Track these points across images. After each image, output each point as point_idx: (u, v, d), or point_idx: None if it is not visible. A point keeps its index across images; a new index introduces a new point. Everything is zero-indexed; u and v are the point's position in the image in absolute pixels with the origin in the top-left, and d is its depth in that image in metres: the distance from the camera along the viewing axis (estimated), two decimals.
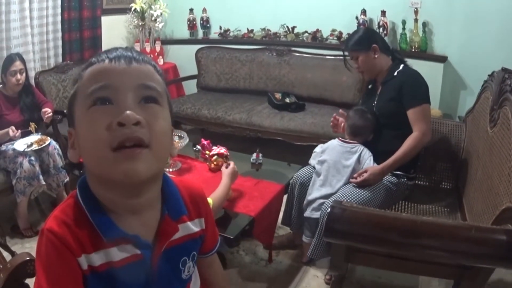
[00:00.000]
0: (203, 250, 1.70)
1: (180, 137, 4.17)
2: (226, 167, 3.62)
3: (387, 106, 3.88)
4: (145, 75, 1.31)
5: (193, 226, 1.55)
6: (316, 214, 3.79)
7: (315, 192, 3.90)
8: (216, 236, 1.77)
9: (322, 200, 3.79)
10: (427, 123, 3.75)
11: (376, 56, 3.92)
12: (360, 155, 3.85)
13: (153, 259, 1.39)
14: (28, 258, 1.87)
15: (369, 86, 4.24)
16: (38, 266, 1.30)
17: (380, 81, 4.00)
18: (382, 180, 3.77)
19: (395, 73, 3.88)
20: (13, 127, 4.62)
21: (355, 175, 3.78)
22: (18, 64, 4.83)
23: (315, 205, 3.85)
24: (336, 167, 3.91)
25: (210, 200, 3.10)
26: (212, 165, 4.16)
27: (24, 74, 4.90)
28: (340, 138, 4.00)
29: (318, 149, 4.14)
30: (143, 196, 1.33)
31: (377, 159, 3.82)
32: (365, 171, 3.72)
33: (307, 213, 3.91)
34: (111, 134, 1.21)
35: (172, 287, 1.51)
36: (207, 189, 3.64)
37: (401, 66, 3.93)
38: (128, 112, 1.21)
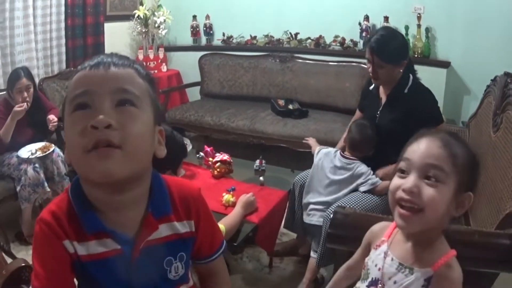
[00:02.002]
0: (199, 255, 1.71)
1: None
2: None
3: (391, 126, 3.74)
4: (123, 79, 1.36)
5: (179, 227, 1.56)
6: (310, 219, 3.83)
7: (308, 197, 3.91)
8: (216, 243, 1.76)
9: (314, 206, 3.82)
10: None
11: (400, 71, 3.74)
12: (354, 172, 3.77)
13: (132, 255, 1.42)
14: (23, 265, 1.88)
15: (370, 88, 4.06)
16: (33, 251, 1.41)
17: (387, 93, 3.84)
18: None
19: (406, 90, 3.73)
20: (20, 104, 4.60)
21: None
22: (24, 82, 4.72)
23: (309, 208, 3.87)
24: (319, 177, 3.89)
25: (222, 226, 3.10)
26: (215, 172, 4.17)
27: (31, 90, 4.81)
28: (341, 151, 3.93)
29: (318, 150, 4.07)
30: (126, 194, 1.39)
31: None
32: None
33: (305, 217, 3.91)
34: (85, 138, 1.27)
35: (156, 286, 1.53)
36: (209, 196, 3.64)
37: (411, 79, 3.77)
38: (100, 116, 1.27)
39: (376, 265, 1.76)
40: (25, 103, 4.64)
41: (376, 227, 1.93)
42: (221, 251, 1.79)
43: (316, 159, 3.96)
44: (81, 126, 1.27)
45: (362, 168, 3.75)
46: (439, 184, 1.58)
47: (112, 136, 1.27)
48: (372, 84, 4.01)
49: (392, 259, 1.72)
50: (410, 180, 1.60)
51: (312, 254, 3.83)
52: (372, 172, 3.75)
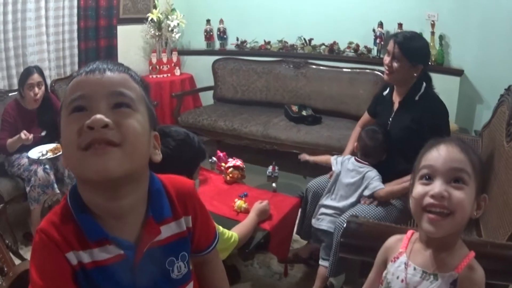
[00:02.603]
0: (196, 248, 1.73)
1: None
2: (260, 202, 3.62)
3: (401, 133, 3.73)
4: (118, 82, 1.37)
5: (179, 225, 1.58)
6: (318, 224, 3.83)
7: (323, 199, 3.90)
8: (211, 235, 1.80)
9: (325, 210, 3.82)
10: None
11: (414, 75, 3.70)
12: (364, 175, 3.77)
13: (136, 259, 1.43)
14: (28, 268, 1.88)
15: (384, 93, 4.05)
16: (31, 263, 1.38)
17: (399, 99, 3.83)
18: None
19: (417, 97, 3.71)
20: (25, 131, 4.59)
21: (362, 201, 3.74)
22: (36, 77, 4.75)
23: (319, 213, 3.87)
24: (341, 182, 3.87)
25: (235, 234, 3.11)
26: (228, 177, 4.17)
27: (42, 88, 4.83)
28: (356, 157, 3.92)
29: (335, 159, 4.04)
30: (124, 199, 1.39)
31: (388, 180, 3.75)
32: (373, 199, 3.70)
33: (313, 221, 3.90)
34: (81, 137, 1.28)
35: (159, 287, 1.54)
36: (221, 201, 3.69)
37: (423, 86, 3.72)
38: (97, 115, 1.28)
39: (398, 277, 1.77)
40: (31, 136, 4.63)
41: (389, 242, 1.95)
42: (216, 241, 1.84)
43: (337, 166, 3.95)
44: (77, 126, 1.29)
45: (371, 173, 3.75)
46: (464, 186, 1.63)
47: (110, 135, 1.28)
48: (386, 89, 4.01)
49: (414, 269, 1.73)
50: (438, 185, 1.62)
51: (321, 262, 3.82)
52: (380, 178, 3.73)
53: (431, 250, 1.73)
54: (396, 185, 3.63)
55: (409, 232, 1.88)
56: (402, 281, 1.74)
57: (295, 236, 4.23)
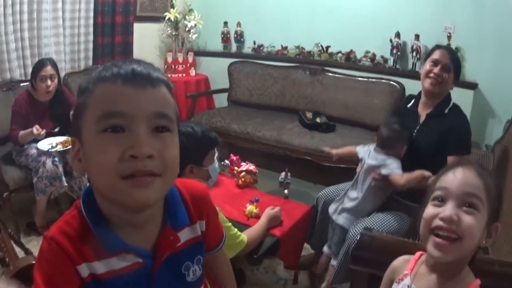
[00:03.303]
0: (207, 249, 1.72)
1: None
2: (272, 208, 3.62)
3: (426, 146, 3.69)
4: (160, 101, 1.30)
5: (193, 231, 1.57)
6: (336, 217, 3.84)
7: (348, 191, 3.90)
8: (220, 234, 1.79)
9: (346, 203, 3.84)
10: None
11: (451, 86, 3.75)
12: (385, 162, 3.71)
13: (154, 267, 1.41)
14: (33, 262, 1.88)
15: (408, 105, 4.00)
16: (37, 270, 1.32)
17: (428, 111, 3.79)
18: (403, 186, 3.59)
19: (446, 111, 3.71)
20: (38, 126, 4.63)
21: (373, 174, 3.72)
22: (49, 69, 4.78)
23: (340, 206, 3.86)
24: (364, 169, 3.84)
25: (245, 237, 3.13)
26: (240, 181, 4.17)
27: (55, 80, 4.86)
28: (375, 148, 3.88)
29: (361, 147, 4.02)
30: (147, 212, 1.36)
31: (407, 192, 3.72)
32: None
33: (333, 214, 3.89)
34: (122, 165, 1.22)
35: None
36: (233, 205, 3.68)
37: (452, 101, 3.75)
38: (143, 146, 1.22)
39: None
40: (43, 131, 4.68)
41: (397, 262, 1.93)
42: (224, 240, 1.83)
43: (364, 154, 3.93)
44: (118, 151, 1.21)
45: (393, 159, 3.70)
46: (476, 212, 1.58)
47: (153, 166, 1.24)
48: (410, 102, 3.98)
49: None
50: (449, 208, 1.59)
51: (332, 261, 3.84)
52: (400, 166, 3.67)
53: (436, 275, 1.70)
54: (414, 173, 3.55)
55: (417, 254, 1.86)
56: None
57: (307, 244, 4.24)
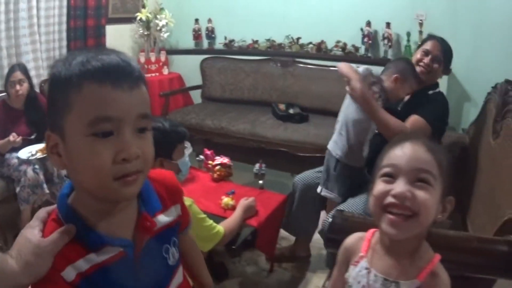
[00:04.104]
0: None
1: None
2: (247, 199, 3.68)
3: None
4: (143, 102, 1.33)
5: (169, 216, 1.59)
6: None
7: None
8: (188, 215, 1.81)
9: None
10: (409, 130, 3.57)
11: (440, 75, 3.91)
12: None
13: (135, 255, 1.43)
14: None
15: (399, 108, 4.02)
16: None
17: (413, 92, 3.86)
18: (358, 93, 3.61)
19: (430, 92, 3.81)
20: (14, 134, 4.64)
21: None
22: (17, 75, 4.82)
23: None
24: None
25: (221, 228, 3.16)
26: (215, 175, 4.20)
27: (24, 85, 4.88)
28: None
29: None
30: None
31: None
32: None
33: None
34: (116, 167, 1.25)
35: (160, 276, 1.55)
36: (209, 199, 3.71)
37: (438, 88, 3.87)
38: (130, 148, 1.26)
39: (359, 282, 1.73)
40: (19, 138, 4.70)
41: (349, 241, 1.90)
42: (191, 221, 1.86)
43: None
44: (110, 155, 1.24)
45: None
46: (429, 187, 1.57)
47: (138, 165, 1.29)
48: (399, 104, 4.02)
49: (375, 275, 1.68)
50: (401, 185, 1.57)
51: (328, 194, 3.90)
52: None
53: (393, 255, 1.68)
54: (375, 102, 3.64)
55: (369, 232, 1.82)
56: (363, 286, 1.70)
57: (283, 233, 4.26)
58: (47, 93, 1.36)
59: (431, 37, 3.91)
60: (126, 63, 1.30)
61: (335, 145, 3.89)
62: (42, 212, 1.40)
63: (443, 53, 3.74)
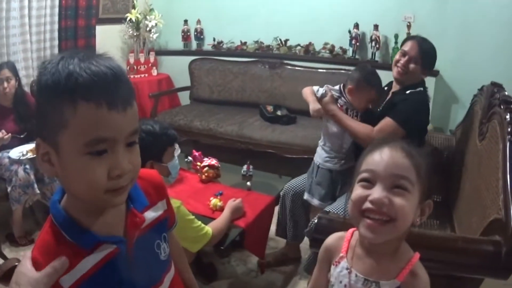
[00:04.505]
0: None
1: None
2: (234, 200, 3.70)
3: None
4: (135, 119, 1.34)
5: (156, 211, 1.62)
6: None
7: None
8: (173, 213, 1.83)
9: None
10: (380, 136, 3.55)
11: (421, 77, 3.86)
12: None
13: (128, 250, 1.44)
14: (17, 264, 1.89)
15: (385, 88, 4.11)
16: None
17: (394, 91, 3.94)
18: (316, 114, 3.80)
19: (408, 91, 3.79)
20: (3, 131, 4.67)
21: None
22: (5, 72, 4.84)
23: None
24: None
25: (209, 229, 3.19)
26: (203, 176, 4.21)
27: (12, 82, 4.90)
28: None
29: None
30: None
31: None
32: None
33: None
34: (110, 183, 1.28)
35: (153, 271, 1.58)
36: (197, 200, 3.72)
37: (419, 88, 3.82)
38: (123, 164, 1.29)
39: (341, 282, 1.74)
40: (9, 135, 4.72)
41: (329, 241, 1.91)
42: (176, 219, 1.88)
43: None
44: (104, 171, 1.27)
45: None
46: (406, 193, 1.58)
47: (129, 178, 1.32)
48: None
49: (356, 275, 1.70)
50: (378, 191, 1.58)
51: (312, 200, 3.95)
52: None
53: (373, 256, 1.70)
54: (341, 113, 3.78)
55: (350, 232, 1.85)
56: (345, 286, 1.72)
57: (275, 236, 4.33)
58: (36, 99, 1.36)
59: (410, 37, 3.94)
60: (119, 78, 1.29)
61: (317, 155, 4.02)
62: (28, 253, 1.41)
63: (421, 54, 3.74)
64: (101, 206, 1.36)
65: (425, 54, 3.75)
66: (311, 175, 3.99)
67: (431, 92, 5.73)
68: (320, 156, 3.95)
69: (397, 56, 3.84)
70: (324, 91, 3.85)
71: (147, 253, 1.55)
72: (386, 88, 4.09)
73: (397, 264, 1.66)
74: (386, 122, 3.65)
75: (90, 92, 1.22)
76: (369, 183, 1.63)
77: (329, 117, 3.82)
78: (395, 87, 3.94)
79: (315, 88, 3.93)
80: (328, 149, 3.91)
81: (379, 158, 1.63)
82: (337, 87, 3.92)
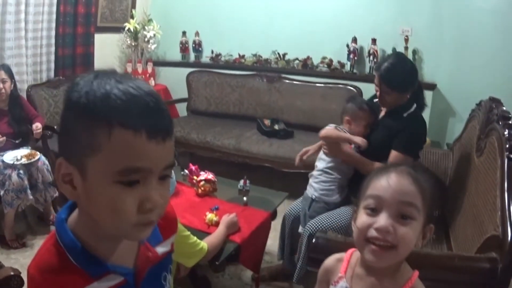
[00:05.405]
0: None
1: None
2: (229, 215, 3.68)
3: (383, 139, 3.76)
4: (172, 151, 1.27)
5: (167, 245, 1.58)
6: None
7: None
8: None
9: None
10: None
11: (407, 96, 3.77)
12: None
13: (136, 283, 1.40)
14: (12, 274, 1.87)
15: (375, 100, 4.08)
16: None
17: (387, 110, 3.90)
18: (338, 152, 3.86)
19: (405, 114, 3.75)
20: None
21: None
22: (0, 74, 4.90)
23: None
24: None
25: (205, 245, 3.17)
26: (200, 190, 4.19)
27: (7, 84, 4.94)
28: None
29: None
30: None
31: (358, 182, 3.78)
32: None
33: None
34: (140, 216, 1.22)
35: None
36: (193, 214, 3.71)
37: (414, 107, 3.79)
38: (156, 198, 1.22)
39: None
40: (3, 138, 4.77)
41: (328, 263, 1.90)
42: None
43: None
44: (135, 203, 1.20)
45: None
46: (412, 222, 1.58)
47: (159, 213, 1.27)
48: (376, 98, 4.03)
49: None
50: (383, 219, 1.57)
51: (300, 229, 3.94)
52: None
53: (374, 276, 1.69)
54: (355, 153, 3.80)
55: (348, 253, 1.84)
56: None
57: (268, 249, 4.27)
58: (63, 115, 1.24)
59: (376, 69, 3.86)
60: (160, 107, 1.21)
61: (311, 189, 3.98)
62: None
63: (389, 86, 3.68)
64: (125, 238, 1.32)
65: (393, 82, 3.68)
66: (305, 207, 3.97)
67: (428, 106, 5.75)
68: (316, 190, 3.91)
69: (374, 85, 3.84)
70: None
71: (155, 286, 1.51)
72: (376, 100, 4.06)
73: (398, 282, 1.65)
74: (395, 156, 3.64)
75: (129, 117, 1.15)
76: (374, 211, 1.62)
77: (344, 157, 3.86)
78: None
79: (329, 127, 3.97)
80: (330, 180, 3.89)
81: (386, 184, 1.62)
82: (331, 126, 3.99)
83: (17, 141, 4.99)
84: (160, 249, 1.52)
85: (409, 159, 3.61)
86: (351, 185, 3.88)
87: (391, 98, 3.72)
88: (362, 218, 1.64)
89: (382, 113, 3.94)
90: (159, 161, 1.21)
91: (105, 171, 1.16)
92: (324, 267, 1.90)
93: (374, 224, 1.58)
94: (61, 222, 1.34)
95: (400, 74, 3.70)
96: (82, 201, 1.26)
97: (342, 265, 1.80)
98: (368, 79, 6.14)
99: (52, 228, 4.68)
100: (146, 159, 1.18)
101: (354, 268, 1.76)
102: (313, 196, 3.90)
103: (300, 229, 3.93)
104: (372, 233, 1.58)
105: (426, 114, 5.35)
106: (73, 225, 1.33)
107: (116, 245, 1.36)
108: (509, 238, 2.48)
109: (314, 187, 3.93)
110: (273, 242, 4.43)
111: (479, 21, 5.88)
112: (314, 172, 4.01)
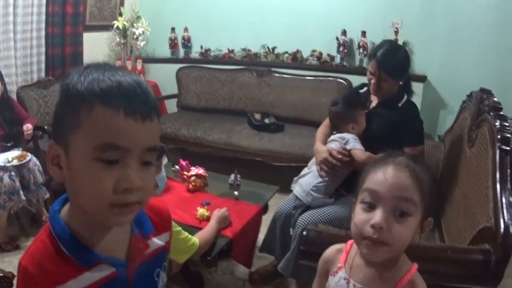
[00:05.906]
0: None
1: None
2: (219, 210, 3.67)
3: (378, 136, 3.75)
4: (153, 135, 1.29)
5: (160, 241, 1.57)
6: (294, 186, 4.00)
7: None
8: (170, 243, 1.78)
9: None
10: None
11: (400, 83, 3.80)
12: (344, 138, 3.81)
13: (128, 276, 1.40)
14: (1, 275, 1.85)
15: (361, 91, 4.11)
16: None
17: (380, 100, 3.89)
18: (351, 165, 3.73)
19: (399, 104, 3.78)
20: None
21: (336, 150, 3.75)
22: None
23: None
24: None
25: (196, 240, 3.16)
26: (190, 186, 4.18)
27: None
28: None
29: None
30: None
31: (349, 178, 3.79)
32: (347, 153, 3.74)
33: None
34: (116, 196, 1.22)
35: None
36: (184, 209, 3.69)
37: (405, 96, 3.82)
38: (134, 179, 1.22)
39: None
40: None
41: (328, 253, 1.91)
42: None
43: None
44: (112, 183, 1.21)
45: (350, 135, 3.80)
46: (408, 218, 1.56)
47: (139, 197, 1.26)
48: (363, 88, 4.08)
49: (354, 285, 1.69)
50: (378, 216, 1.55)
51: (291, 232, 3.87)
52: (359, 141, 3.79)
53: (373, 267, 1.68)
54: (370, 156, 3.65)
55: (348, 244, 1.84)
56: None
57: (260, 243, 4.25)
58: (58, 101, 1.29)
59: (371, 57, 3.86)
60: (142, 90, 1.26)
61: (307, 197, 3.90)
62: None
63: (387, 72, 3.68)
64: (105, 222, 1.29)
65: (391, 68, 3.68)
66: (297, 209, 3.90)
67: (419, 98, 5.77)
68: (314, 198, 3.84)
69: (368, 75, 3.81)
70: (345, 142, 3.81)
71: (147, 281, 1.51)
72: (362, 90, 4.11)
73: (396, 274, 1.65)
74: (413, 150, 3.65)
75: (109, 97, 1.20)
76: (370, 207, 1.60)
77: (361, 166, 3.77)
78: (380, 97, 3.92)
79: (341, 139, 3.87)
80: (326, 186, 3.85)
81: (383, 178, 1.59)
82: (336, 136, 3.92)
83: (8, 144, 4.96)
84: (153, 242, 1.52)
85: (422, 149, 3.74)
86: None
87: (388, 85, 3.71)
88: (359, 215, 1.62)
89: (373, 104, 3.93)
90: (137, 141, 1.22)
91: (85, 147, 1.20)
92: (324, 257, 1.91)
93: (370, 221, 1.56)
94: (54, 213, 1.37)
95: (397, 60, 3.72)
96: (67, 182, 1.28)
97: (342, 256, 1.81)
98: (358, 71, 6.16)
99: None
100: (124, 137, 1.20)
101: (353, 259, 1.76)
102: (309, 203, 3.84)
103: (291, 232, 3.87)
104: (368, 231, 1.56)
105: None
106: (66, 216, 1.35)
107: (106, 234, 1.36)
108: (502, 230, 2.47)
109: (312, 196, 3.84)
110: (264, 236, 4.37)
111: (469, 13, 5.89)
112: (309, 179, 3.94)
